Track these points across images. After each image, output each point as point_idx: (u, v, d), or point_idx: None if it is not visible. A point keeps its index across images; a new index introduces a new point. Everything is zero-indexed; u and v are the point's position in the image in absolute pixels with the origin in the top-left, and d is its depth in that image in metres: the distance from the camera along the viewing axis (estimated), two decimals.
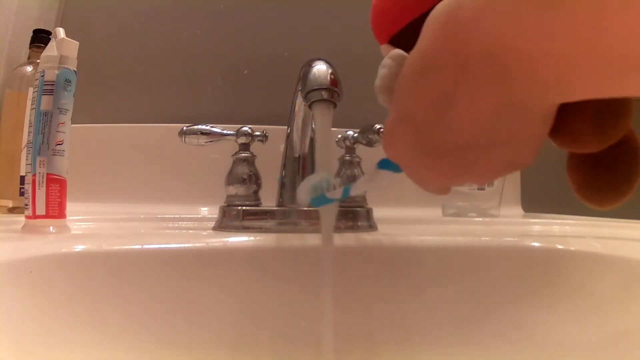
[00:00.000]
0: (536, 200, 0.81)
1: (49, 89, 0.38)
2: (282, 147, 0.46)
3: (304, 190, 0.35)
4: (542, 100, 0.19)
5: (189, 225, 0.49)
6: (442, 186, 0.26)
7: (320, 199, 0.35)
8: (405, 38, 0.28)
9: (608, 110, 0.22)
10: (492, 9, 0.17)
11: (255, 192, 0.46)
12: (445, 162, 0.23)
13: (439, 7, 0.20)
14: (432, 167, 0.24)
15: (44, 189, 0.38)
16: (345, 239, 0.42)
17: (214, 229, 0.45)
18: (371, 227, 0.47)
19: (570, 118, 0.22)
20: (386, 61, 0.27)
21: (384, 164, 0.33)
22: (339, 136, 0.50)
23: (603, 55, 0.16)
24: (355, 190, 0.35)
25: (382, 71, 0.28)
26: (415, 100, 0.22)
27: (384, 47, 0.31)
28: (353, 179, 0.48)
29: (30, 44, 0.58)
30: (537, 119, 0.21)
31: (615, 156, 0.24)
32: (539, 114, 0.20)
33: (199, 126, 0.46)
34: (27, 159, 0.39)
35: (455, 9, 0.19)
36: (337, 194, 0.35)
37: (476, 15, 0.18)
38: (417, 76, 0.21)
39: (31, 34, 0.58)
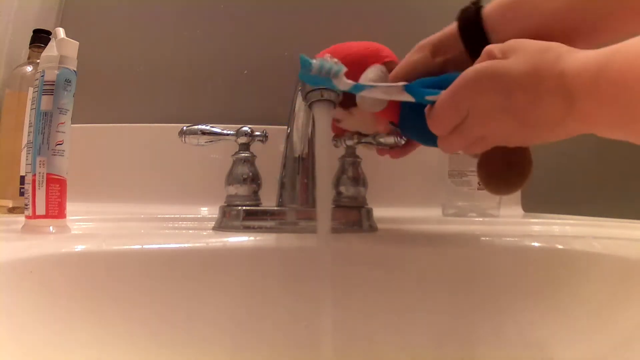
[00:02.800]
0: (536, 200, 0.81)
1: (49, 89, 0.38)
2: (282, 147, 0.46)
3: (309, 65, 0.33)
4: (574, 128, 0.31)
5: (189, 225, 0.49)
6: (480, 139, 0.35)
7: (317, 79, 0.33)
8: None
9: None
10: (596, 87, 0.28)
11: (255, 192, 0.46)
12: (504, 118, 0.32)
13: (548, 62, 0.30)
14: (494, 118, 0.33)
15: (44, 189, 0.38)
16: (345, 240, 0.42)
17: (214, 229, 0.45)
18: (371, 227, 0.47)
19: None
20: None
21: (412, 90, 0.35)
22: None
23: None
24: (368, 93, 0.34)
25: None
26: (518, 78, 0.31)
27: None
28: (356, 179, 0.48)
29: (30, 44, 0.58)
30: (559, 134, 0.32)
31: (513, 160, 0.38)
32: (563, 133, 0.32)
33: (199, 126, 0.46)
34: (27, 159, 0.39)
35: (561, 71, 0.29)
36: (346, 84, 0.34)
37: (577, 78, 0.29)
38: (529, 75, 0.31)
39: (31, 34, 0.58)
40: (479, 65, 0.33)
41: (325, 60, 0.34)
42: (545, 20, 0.36)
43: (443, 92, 0.34)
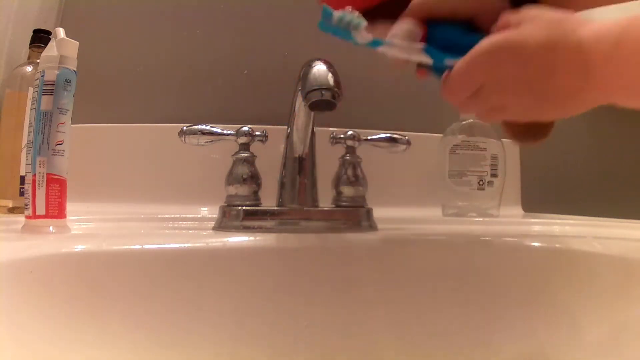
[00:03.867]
0: (536, 200, 0.81)
1: (49, 89, 0.38)
2: (282, 147, 0.46)
3: (329, 15, 0.34)
4: (592, 98, 0.31)
5: (189, 225, 0.49)
6: (499, 109, 0.35)
7: (336, 30, 0.34)
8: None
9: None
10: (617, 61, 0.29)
11: (255, 192, 0.46)
12: (520, 90, 0.33)
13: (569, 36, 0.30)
14: (510, 90, 0.33)
15: (44, 189, 0.38)
16: (345, 239, 0.42)
17: (214, 229, 0.45)
18: (371, 227, 0.47)
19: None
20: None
21: (432, 53, 0.35)
22: (331, 136, 0.49)
23: None
24: (386, 50, 0.34)
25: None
26: (534, 49, 0.31)
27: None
28: (356, 179, 0.48)
29: (30, 44, 0.58)
30: (577, 106, 0.32)
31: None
32: (581, 105, 0.32)
33: (199, 126, 0.46)
34: (27, 159, 0.39)
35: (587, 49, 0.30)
36: (364, 38, 0.34)
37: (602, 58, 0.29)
38: (544, 46, 0.31)
39: (31, 34, 0.58)
40: (494, 37, 0.32)
41: (347, 12, 0.34)
42: None
43: (459, 61, 0.33)
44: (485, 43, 0.32)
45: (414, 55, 0.35)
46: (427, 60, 0.35)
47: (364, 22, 0.34)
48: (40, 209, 0.38)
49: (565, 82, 0.31)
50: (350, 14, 0.34)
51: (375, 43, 0.34)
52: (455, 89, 0.35)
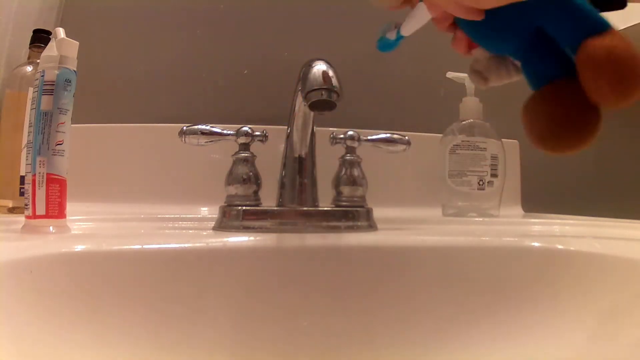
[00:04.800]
0: (536, 200, 0.81)
1: (49, 89, 0.38)
2: (282, 147, 0.46)
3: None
4: None
5: (189, 225, 0.49)
6: None
7: (383, 43, 0.40)
8: None
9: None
10: None
11: (255, 192, 0.46)
12: None
13: None
14: None
15: (44, 189, 0.38)
16: (345, 239, 0.42)
17: (214, 229, 0.45)
18: (371, 227, 0.47)
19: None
20: None
21: None
22: (331, 136, 0.49)
23: None
24: (405, 29, 0.38)
25: None
26: None
27: None
28: (356, 179, 0.48)
29: (30, 44, 0.58)
30: None
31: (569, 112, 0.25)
32: None
33: (199, 126, 0.46)
34: (27, 159, 0.39)
35: None
36: (393, 34, 0.39)
37: None
38: None
39: (31, 34, 0.58)
40: None
41: (383, 27, 0.40)
42: None
43: None
44: None
45: (419, 13, 0.37)
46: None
47: (392, 25, 0.39)
48: (40, 209, 0.38)
49: None
50: (385, 25, 0.40)
51: (398, 32, 0.39)
52: None
